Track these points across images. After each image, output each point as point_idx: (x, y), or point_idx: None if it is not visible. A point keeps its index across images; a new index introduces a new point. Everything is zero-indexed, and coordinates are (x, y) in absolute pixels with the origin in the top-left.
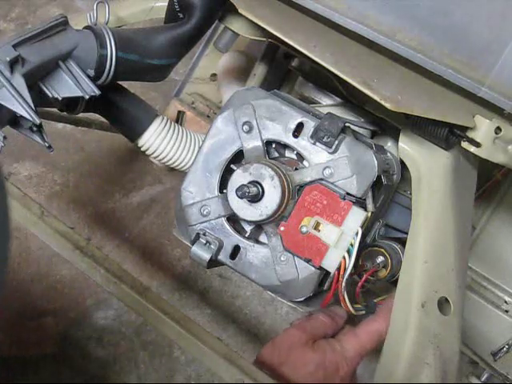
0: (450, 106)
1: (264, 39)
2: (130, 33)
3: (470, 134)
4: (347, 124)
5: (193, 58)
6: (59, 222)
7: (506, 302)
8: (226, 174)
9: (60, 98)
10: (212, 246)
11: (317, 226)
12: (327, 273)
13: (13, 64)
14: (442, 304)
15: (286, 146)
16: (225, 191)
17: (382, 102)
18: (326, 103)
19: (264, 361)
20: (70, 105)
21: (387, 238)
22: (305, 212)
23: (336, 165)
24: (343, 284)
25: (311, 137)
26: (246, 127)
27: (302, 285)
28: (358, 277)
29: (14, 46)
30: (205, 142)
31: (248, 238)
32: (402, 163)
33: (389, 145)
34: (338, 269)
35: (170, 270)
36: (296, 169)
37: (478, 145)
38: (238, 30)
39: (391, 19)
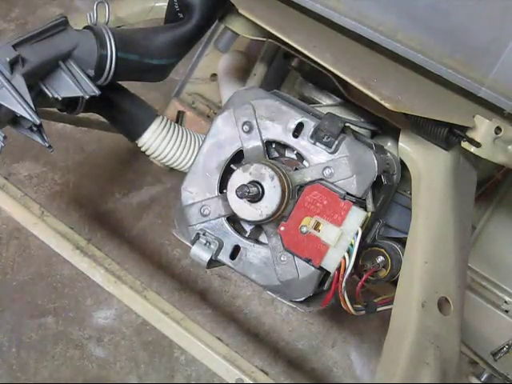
0: (450, 106)
1: (264, 39)
2: (130, 33)
3: (470, 134)
4: (347, 124)
5: (193, 57)
6: (59, 222)
7: (506, 301)
8: (226, 174)
9: (60, 98)
10: (212, 246)
11: (317, 226)
12: (327, 273)
13: (13, 64)
14: (442, 304)
15: (286, 146)
16: (225, 191)
17: (382, 102)
18: (326, 103)
19: None
20: (70, 105)
21: (387, 238)
22: (305, 212)
23: (336, 165)
24: (343, 284)
25: (311, 137)
26: (246, 127)
27: (302, 285)
28: (358, 277)
29: (14, 46)
30: (205, 142)
31: (248, 238)
32: (402, 163)
33: (389, 145)
34: (338, 269)
35: (169, 270)
36: (296, 169)
37: (477, 145)
38: (238, 30)
39: (391, 19)
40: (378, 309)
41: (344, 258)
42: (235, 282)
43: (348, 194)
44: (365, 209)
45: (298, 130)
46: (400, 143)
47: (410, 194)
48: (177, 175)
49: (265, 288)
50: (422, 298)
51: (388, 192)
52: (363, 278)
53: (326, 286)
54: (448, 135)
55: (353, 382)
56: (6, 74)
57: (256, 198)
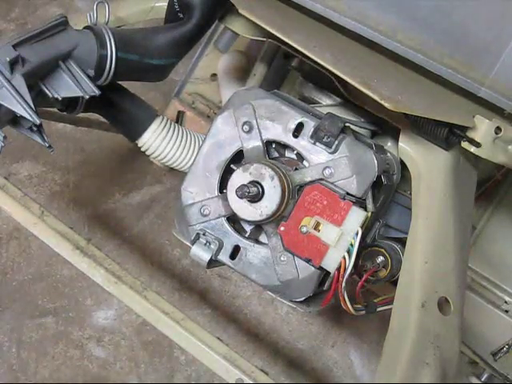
0: (450, 106)
1: (264, 39)
2: (130, 33)
3: (470, 134)
4: (347, 124)
5: (193, 57)
6: (59, 222)
7: (506, 301)
8: (226, 174)
9: (60, 98)
10: (212, 246)
11: (317, 226)
12: (327, 273)
13: (13, 64)
14: (442, 304)
15: (286, 146)
16: (225, 191)
17: (382, 102)
18: (326, 103)
19: None
20: (70, 105)
21: (387, 238)
22: (305, 212)
23: (336, 165)
24: (343, 284)
25: (311, 137)
26: (246, 127)
27: (301, 285)
28: (358, 277)
29: (14, 46)
30: (205, 142)
31: (248, 238)
32: (402, 163)
33: (389, 145)
34: (338, 269)
35: (170, 270)
36: (296, 169)
37: (477, 145)
38: (238, 30)
39: (391, 19)
40: (378, 309)
41: (344, 258)
42: (235, 282)
43: (348, 193)
44: (365, 209)
45: (298, 130)
46: (400, 143)
47: (410, 193)
48: (177, 175)
49: (265, 288)
50: (422, 297)
51: (388, 192)
52: (363, 278)
53: (326, 286)
54: (448, 135)
55: (353, 382)
56: (6, 74)
57: (256, 198)
